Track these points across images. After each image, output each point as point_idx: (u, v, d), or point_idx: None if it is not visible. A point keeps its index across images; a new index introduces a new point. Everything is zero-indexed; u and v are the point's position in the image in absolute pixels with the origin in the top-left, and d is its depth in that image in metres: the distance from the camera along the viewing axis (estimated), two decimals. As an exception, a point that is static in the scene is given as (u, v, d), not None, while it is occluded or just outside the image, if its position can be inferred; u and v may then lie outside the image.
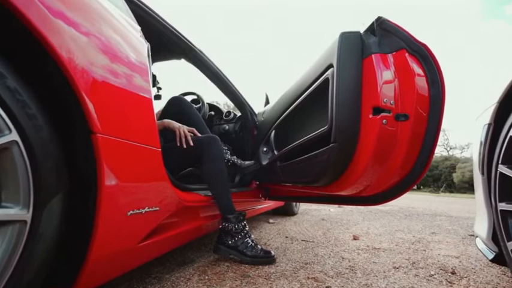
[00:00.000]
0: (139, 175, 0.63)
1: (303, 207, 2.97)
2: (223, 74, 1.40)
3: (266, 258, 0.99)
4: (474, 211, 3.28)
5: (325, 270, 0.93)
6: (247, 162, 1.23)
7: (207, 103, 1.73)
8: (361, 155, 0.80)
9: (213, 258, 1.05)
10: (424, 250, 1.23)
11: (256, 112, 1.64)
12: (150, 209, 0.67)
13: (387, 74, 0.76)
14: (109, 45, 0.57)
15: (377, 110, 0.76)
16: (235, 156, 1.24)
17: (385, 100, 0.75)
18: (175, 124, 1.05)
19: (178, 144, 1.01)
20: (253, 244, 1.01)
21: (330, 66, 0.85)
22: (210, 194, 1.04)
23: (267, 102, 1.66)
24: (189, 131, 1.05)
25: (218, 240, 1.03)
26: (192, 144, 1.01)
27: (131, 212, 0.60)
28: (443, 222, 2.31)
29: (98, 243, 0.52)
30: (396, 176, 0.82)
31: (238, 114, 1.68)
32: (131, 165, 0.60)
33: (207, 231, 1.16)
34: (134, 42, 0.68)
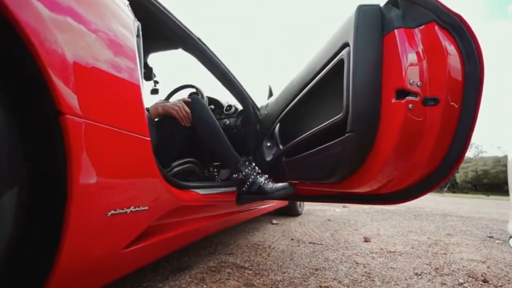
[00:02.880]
0: (123, 168, 0.52)
1: (306, 207, 2.86)
2: (224, 65, 1.30)
3: (285, 189, 0.93)
4: (484, 212, 3.17)
5: (338, 278, 0.82)
6: (278, 185, 0.94)
7: (206, 96, 1.63)
8: (382, 146, 0.69)
9: (213, 264, 0.95)
10: (445, 254, 1.13)
11: (259, 106, 1.54)
12: (137, 209, 0.56)
13: (413, 52, 0.66)
14: (86, 11, 0.47)
15: (401, 94, 0.66)
16: (265, 177, 0.99)
17: (411, 81, 0.64)
18: (170, 106, 0.97)
19: (183, 124, 0.97)
20: (267, 181, 0.96)
21: (346, 45, 0.75)
22: (209, 192, 0.94)
23: (271, 94, 1.56)
24: (182, 105, 0.98)
25: (238, 191, 1.01)
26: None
27: (112, 212, 0.50)
28: (455, 222, 2.20)
29: (67, 251, 0.42)
30: (422, 170, 0.72)
31: (240, 108, 1.58)
32: (112, 155, 0.49)
33: (207, 233, 1.06)
34: (119, 13, 0.58)
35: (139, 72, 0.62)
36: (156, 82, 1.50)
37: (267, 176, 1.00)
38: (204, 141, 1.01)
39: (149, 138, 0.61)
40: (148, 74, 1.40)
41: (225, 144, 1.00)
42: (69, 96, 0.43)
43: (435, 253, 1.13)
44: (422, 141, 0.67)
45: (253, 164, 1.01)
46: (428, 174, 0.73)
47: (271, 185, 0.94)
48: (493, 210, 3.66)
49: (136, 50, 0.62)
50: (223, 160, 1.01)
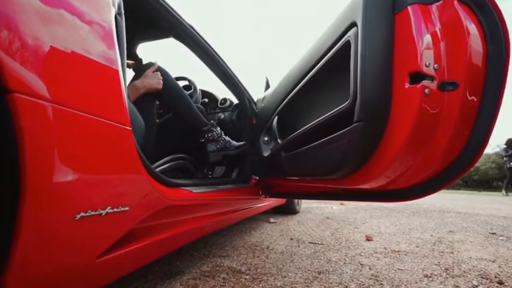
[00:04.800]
0: (96, 161, 0.44)
1: (303, 205, 2.80)
2: (219, 56, 1.21)
3: (248, 144, 1.17)
4: (480, 207, 3.16)
5: (344, 282, 0.76)
6: (241, 143, 1.21)
7: (199, 89, 1.55)
8: (394, 136, 0.62)
9: (207, 268, 0.87)
10: (452, 252, 1.07)
11: (256, 100, 1.46)
12: (115, 210, 0.48)
13: (430, 31, 0.59)
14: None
15: (416, 78, 0.59)
16: (228, 137, 1.20)
17: (427, 63, 0.57)
18: (154, 82, 0.92)
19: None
20: (230, 140, 1.17)
21: (353, 25, 0.67)
22: (203, 190, 0.86)
23: (268, 86, 1.48)
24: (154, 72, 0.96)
25: (208, 151, 1.12)
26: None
27: (82, 214, 0.41)
28: (454, 219, 2.17)
29: (19, 263, 0.34)
30: (437, 164, 0.65)
31: (235, 102, 1.50)
32: (82, 145, 0.41)
33: (201, 235, 0.98)
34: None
35: (118, 53, 0.53)
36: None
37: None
38: (173, 108, 1.02)
39: (130, 128, 0.52)
40: (138, 66, 1.30)
41: (194, 109, 1.05)
42: (21, 72, 0.34)
43: (441, 252, 1.08)
44: (439, 130, 0.60)
45: (219, 128, 1.16)
46: (443, 169, 0.67)
47: (235, 143, 1.17)
48: (488, 205, 3.68)
49: (113, 27, 0.53)
50: (193, 124, 1.07)
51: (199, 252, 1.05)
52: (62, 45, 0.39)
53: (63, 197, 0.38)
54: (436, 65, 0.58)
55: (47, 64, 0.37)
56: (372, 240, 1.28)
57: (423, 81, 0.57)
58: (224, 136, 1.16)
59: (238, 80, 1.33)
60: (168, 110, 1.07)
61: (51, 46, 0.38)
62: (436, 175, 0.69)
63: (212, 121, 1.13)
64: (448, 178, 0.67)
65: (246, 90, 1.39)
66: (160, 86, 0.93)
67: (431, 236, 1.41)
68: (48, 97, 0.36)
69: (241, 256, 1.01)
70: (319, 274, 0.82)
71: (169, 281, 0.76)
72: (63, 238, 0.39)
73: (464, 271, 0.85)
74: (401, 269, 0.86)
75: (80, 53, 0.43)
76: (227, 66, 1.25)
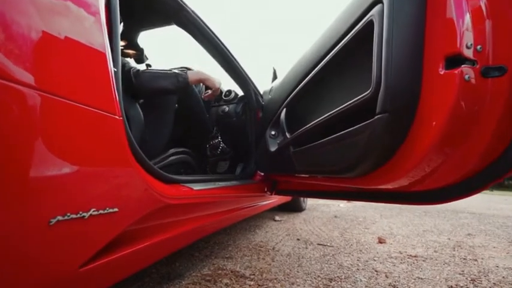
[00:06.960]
0: (77, 154, 0.37)
1: (309, 201, 2.73)
2: (222, 44, 1.13)
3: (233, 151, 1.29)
4: (495, 208, 3.01)
5: (359, 292, 0.68)
6: (228, 149, 1.33)
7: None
8: (424, 130, 0.54)
9: (208, 271, 0.81)
10: (475, 260, 0.98)
11: (262, 92, 1.38)
12: (101, 212, 0.42)
13: (471, 6, 0.49)
14: None
15: (454, 62, 0.49)
16: (222, 144, 1.28)
17: (468, 44, 0.48)
18: (216, 80, 1.02)
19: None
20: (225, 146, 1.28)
21: (377, 2, 0.58)
22: (205, 187, 0.80)
23: (275, 77, 1.39)
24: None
25: (210, 156, 1.24)
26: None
27: (59, 218, 0.35)
28: (469, 220, 2.06)
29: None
30: (476, 162, 0.56)
31: (240, 94, 1.42)
32: (57, 136, 0.34)
33: (202, 235, 0.92)
34: None
35: (106, 34, 0.47)
36: (148, 66, 1.34)
37: None
38: (197, 113, 1.13)
39: (119, 118, 0.46)
40: (140, 56, 1.23)
41: (207, 119, 1.20)
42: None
43: (463, 258, 0.99)
44: (480, 125, 0.51)
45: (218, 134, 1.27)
46: (480, 170, 0.58)
47: (226, 148, 1.26)
48: (504, 206, 3.53)
49: (102, 5, 0.46)
50: (206, 131, 1.20)
51: (201, 253, 0.99)
52: (33, 23, 0.32)
53: (34, 198, 0.32)
54: (479, 47, 0.49)
55: (12, 42, 0.30)
56: (384, 242, 1.20)
57: (463, 66, 0.48)
58: (222, 143, 1.30)
59: (244, 71, 1.25)
60: (190, 114, 1.16)
61: (19, 24, 0.31)
62: (470, 177, 0.60)
63: (215, 128, 1.27)
64: (484, 181, 0.58)
65: (251, 81, 1.31)
66: (218, 86, 1.02)
67: (449, 239, 1.31)
68: (13, 77, 0.29)
69: (245, 258, 0.94)
70: (331, 282, 0.74)
71: (167, 286, 0.70)
72: (34, 248, 0.33)
73: (494, 283, 0.76)
74: (422, 278, 0.78)
75: (55, 31, 0.36)
76: (232, 55, 1.17)
